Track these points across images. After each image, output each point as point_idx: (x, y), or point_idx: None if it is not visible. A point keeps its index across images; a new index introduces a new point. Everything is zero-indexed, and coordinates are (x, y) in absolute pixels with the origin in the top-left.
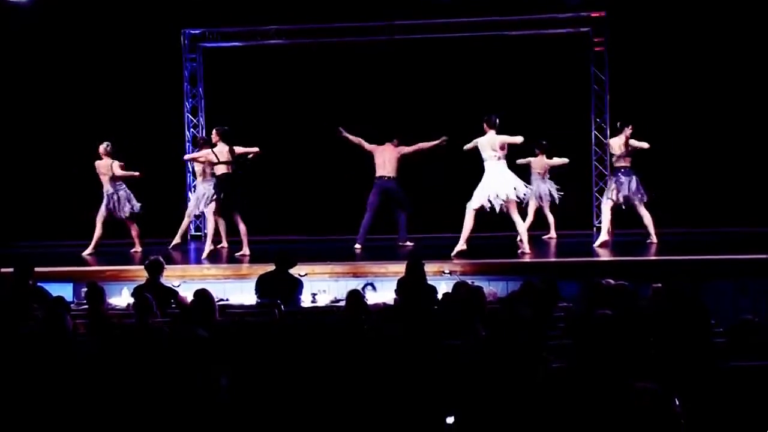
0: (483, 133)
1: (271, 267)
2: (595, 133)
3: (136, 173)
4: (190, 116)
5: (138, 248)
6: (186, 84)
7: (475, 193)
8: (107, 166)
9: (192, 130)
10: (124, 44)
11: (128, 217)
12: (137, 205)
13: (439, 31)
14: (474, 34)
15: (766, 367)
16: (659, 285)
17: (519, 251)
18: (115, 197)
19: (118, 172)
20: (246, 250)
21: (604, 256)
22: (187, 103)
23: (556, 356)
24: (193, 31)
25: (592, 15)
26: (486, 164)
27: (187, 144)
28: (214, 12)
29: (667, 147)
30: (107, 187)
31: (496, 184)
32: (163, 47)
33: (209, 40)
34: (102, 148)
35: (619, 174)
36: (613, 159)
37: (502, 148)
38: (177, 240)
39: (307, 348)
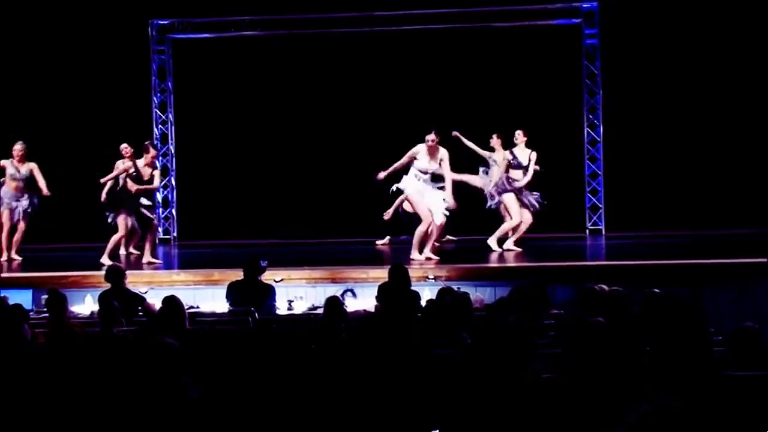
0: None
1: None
2: (587, 130)
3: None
4: (158, 112)
5: (17, 257)
6: (154, 78)
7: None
8: (30, 169)
9: (160, 126)
10: (87, 35)
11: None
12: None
13: (423, 23)
14: (459, 25)
15: (766, 377)
16: (655, 290)
17: None
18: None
19: (41, 177)
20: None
21: (594, 260)
22: (155, 99)
23: (546, 366)
24: (161, 22)
25: (584, 6)
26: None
27: (155, 141)
28: (184, 1)
29: (663, 145)
30: (26, 193)
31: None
32: (129, 39)
33: (179, 31)
34: (23, 148)
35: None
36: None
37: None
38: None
39: (283, 358)
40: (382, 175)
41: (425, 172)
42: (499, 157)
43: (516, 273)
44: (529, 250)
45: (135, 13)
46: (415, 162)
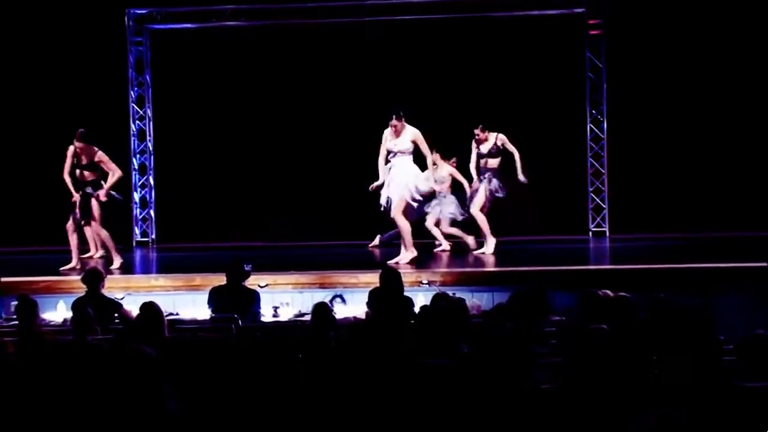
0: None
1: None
2: (590, 126)
3: None
4: (135, 107)
5: None
6: (131, 71)
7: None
8: None
9: (138, 122)
10: (60, 24)
11: None
12: None
13: (416, 12)
14: (455, 15)
15: None
16: (661, 296)
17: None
18: None
19: None
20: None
21: (597, 263)
22: (132, 93)
23: (547, 376)
24: (138, 11)
25: None
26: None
27: (132, 138)
28: None
29: (671, 143)
30: None
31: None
32: (104, 29)
33: (157, 21)
34: None
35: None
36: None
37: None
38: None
39: (268, 368)
40: (374, 185)
41: (390, 152)
42: (442, 172)
43: (515, 278)
44: (528, 253)
45: (111, 2)
46: (387, 145)
